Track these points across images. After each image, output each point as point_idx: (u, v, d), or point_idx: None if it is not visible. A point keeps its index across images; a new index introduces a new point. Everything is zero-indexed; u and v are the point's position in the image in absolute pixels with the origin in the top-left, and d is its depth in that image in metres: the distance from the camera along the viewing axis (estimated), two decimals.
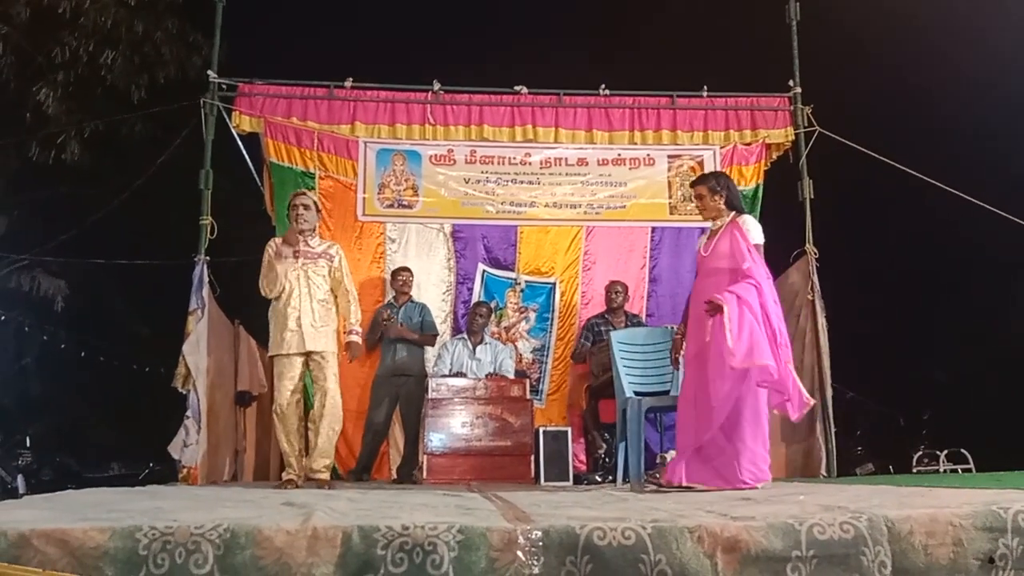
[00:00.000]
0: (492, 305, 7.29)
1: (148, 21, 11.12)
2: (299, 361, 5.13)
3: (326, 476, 5.08)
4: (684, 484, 4.16)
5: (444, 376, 6.59)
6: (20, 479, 10.42)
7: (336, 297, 5.34)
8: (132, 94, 11.15)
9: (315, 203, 5.39)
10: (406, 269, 7.00)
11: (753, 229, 4.47)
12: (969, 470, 9.15)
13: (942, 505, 2.40)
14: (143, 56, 11.26)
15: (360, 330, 5.44)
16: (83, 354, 14.27)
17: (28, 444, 12.52)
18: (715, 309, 4.13)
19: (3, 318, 12.78)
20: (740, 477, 4.12)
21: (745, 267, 4.26)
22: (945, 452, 9.58)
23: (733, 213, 4.55)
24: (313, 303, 5.14)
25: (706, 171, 5.00)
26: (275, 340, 5.19)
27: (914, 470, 9.63)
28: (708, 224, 4.69)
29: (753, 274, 4.23)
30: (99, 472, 13.28)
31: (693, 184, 4.76)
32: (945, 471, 9.31)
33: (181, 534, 2.00)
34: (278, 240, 5.33)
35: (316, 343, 5.12)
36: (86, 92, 11.10)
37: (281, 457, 5.39)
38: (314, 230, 5.36)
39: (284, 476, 5.17)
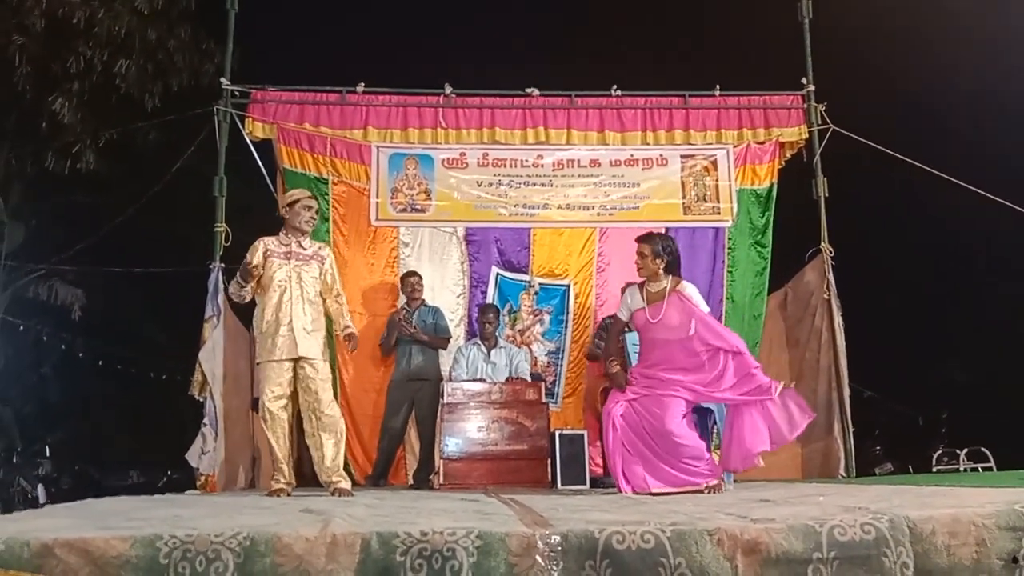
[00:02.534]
0: (505, 308, 7.28)
1: (161, 29, 11.23)
2: (288, 367, 4.86)
3: (346, 485, 4.80)
4: (652, 491, 4.34)
5: (459, 380, 6.57)
6: (40, 488, 10.51)
7: (324, 301, 5.12)
8: (146, 102, 11.26)
9: (317, 208, 5.33)
10: (414, 273, 6.96)
11: (701, 300, 4.68)
12: (990, 468, 9.05)
13: (964, 505, 2.38)
14: (156, 64, 11.36)
15: (352, 324, 5.20)
16: (100, 362, 14.33)
17: (48, 453, 12.62)
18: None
19: (22, 327, 12.87)
20: (704, 476, 4.39)
21: (754, 371, 4.44)
22: (965, 451, 9.49)
23: (671, 278, 4.65)
24: (305, 305, 4.93)
25: (652, 233, 5.00)
26: (265, 346, 4.90)
27: (934, 469, 9.53)
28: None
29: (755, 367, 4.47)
30: (118, 480, 13.33)
31: (639, 240, 4.79)
32: (965, 470, 9.21)
33: (201, 542, 2.01)
34: (268, 239, 5.12)
35: (309, 349, 4.86)
36: (101, 101, 11.20)
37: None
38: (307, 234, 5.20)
39: (274, 484, 4.85)
